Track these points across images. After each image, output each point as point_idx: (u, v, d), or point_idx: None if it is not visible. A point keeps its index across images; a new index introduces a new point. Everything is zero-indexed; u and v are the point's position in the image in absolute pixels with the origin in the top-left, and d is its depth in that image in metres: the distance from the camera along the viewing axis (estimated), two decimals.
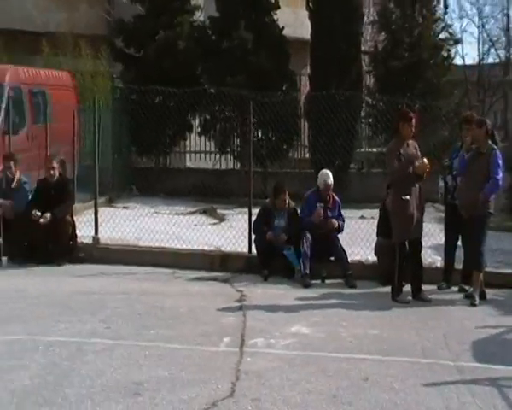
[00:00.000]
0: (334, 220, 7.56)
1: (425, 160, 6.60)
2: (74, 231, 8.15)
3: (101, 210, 9.27)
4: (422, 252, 6.91)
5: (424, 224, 6.93)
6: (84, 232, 8.54)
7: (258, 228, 7.74)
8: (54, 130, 10.33)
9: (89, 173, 8.88)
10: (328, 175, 7.69)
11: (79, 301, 6.39)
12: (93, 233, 8.40)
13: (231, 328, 5.63)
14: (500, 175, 6.57)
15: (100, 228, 8.52)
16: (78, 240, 8.21)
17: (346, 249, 7.52)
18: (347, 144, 12.78)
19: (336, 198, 7.76)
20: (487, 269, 6.90)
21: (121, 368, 4.70)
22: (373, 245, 7.56)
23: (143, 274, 7.53)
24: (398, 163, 6.62)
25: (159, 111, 13.07)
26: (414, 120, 6.74)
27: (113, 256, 8.00)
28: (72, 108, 10.91)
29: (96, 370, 4.66)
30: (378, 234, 7.51)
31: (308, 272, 7.24)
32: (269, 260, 7.55)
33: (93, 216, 8.48)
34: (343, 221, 7.73)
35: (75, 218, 8.60)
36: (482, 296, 6.68)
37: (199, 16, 14.64)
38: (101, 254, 8.07)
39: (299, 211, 7.74)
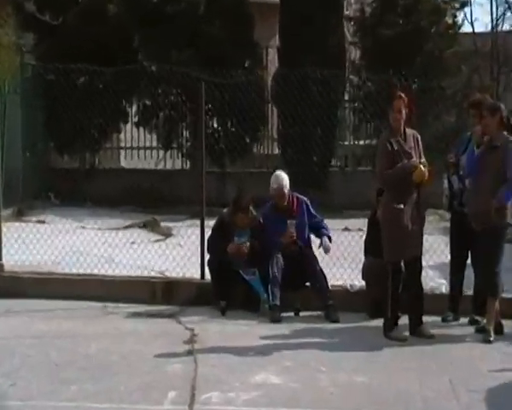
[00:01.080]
0: (292, 230, 7.46)
1: (421, 166, 6.55)
2: None
3: (6, 226, 9.12)
4: (423, 274, 6.95)
5: (424, 237, 6.96)
6: None
7: (215, 246, 7.69)
8: None
9: None
10: (276, 178, 7.69)
11: None
12: None
13: (178, 379, 5.57)
14: None
15: (5, 250, 8.37)
16: None
17: (325, 272, 7.51)
18: (327, 136, 12.87)
19: (301, 198, 7.76)
20: (505, 295, 6.97)
21: None
22: (360, 266, 7.59)
23: (63, 311, 7.42)
24: (387, 163, 6.59)
25: (84, 95, 12.97)
26: (401, 103, 6.64)
27: (23, 287, 7.87)
28: None
29: None
30: (366, 252, 7.54)
31: (278, 303, 7.22)
32: (227, 289, 7.52)
33: None
34: (325, 228, 7.67)
35: None
36: (499, 330, 6.74)
37: None
38: (6, 284, 7.92)
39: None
